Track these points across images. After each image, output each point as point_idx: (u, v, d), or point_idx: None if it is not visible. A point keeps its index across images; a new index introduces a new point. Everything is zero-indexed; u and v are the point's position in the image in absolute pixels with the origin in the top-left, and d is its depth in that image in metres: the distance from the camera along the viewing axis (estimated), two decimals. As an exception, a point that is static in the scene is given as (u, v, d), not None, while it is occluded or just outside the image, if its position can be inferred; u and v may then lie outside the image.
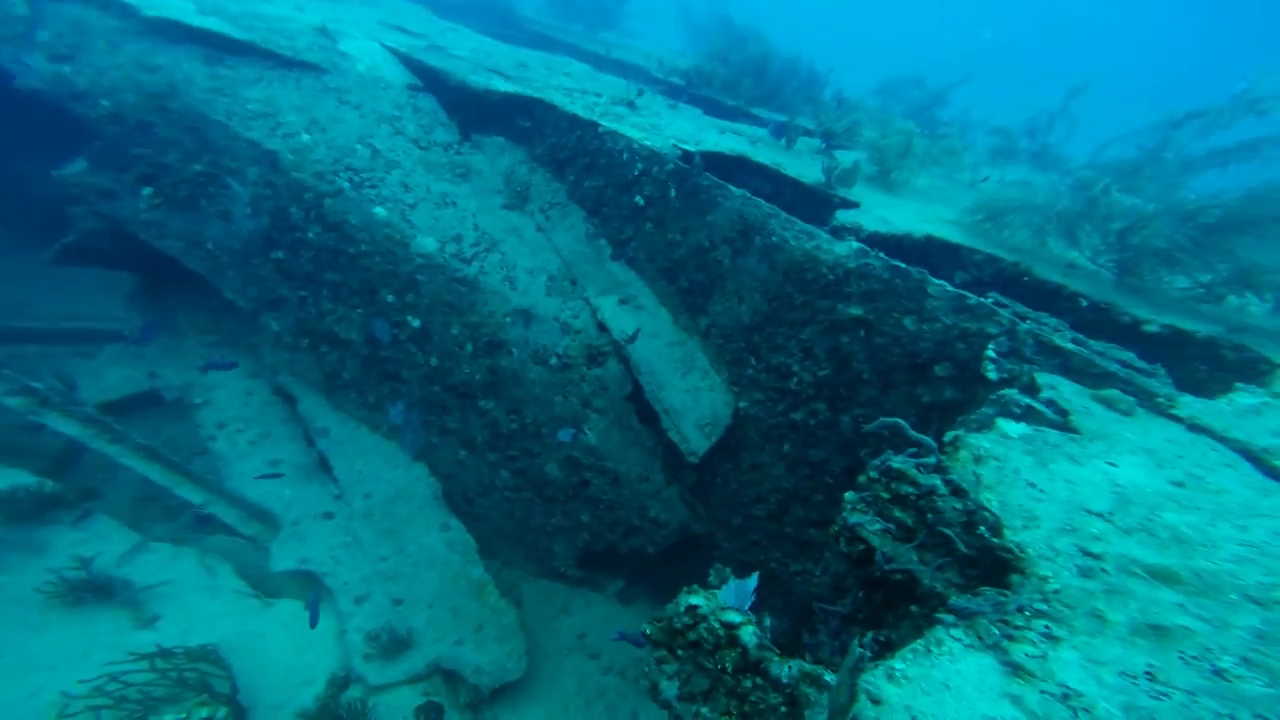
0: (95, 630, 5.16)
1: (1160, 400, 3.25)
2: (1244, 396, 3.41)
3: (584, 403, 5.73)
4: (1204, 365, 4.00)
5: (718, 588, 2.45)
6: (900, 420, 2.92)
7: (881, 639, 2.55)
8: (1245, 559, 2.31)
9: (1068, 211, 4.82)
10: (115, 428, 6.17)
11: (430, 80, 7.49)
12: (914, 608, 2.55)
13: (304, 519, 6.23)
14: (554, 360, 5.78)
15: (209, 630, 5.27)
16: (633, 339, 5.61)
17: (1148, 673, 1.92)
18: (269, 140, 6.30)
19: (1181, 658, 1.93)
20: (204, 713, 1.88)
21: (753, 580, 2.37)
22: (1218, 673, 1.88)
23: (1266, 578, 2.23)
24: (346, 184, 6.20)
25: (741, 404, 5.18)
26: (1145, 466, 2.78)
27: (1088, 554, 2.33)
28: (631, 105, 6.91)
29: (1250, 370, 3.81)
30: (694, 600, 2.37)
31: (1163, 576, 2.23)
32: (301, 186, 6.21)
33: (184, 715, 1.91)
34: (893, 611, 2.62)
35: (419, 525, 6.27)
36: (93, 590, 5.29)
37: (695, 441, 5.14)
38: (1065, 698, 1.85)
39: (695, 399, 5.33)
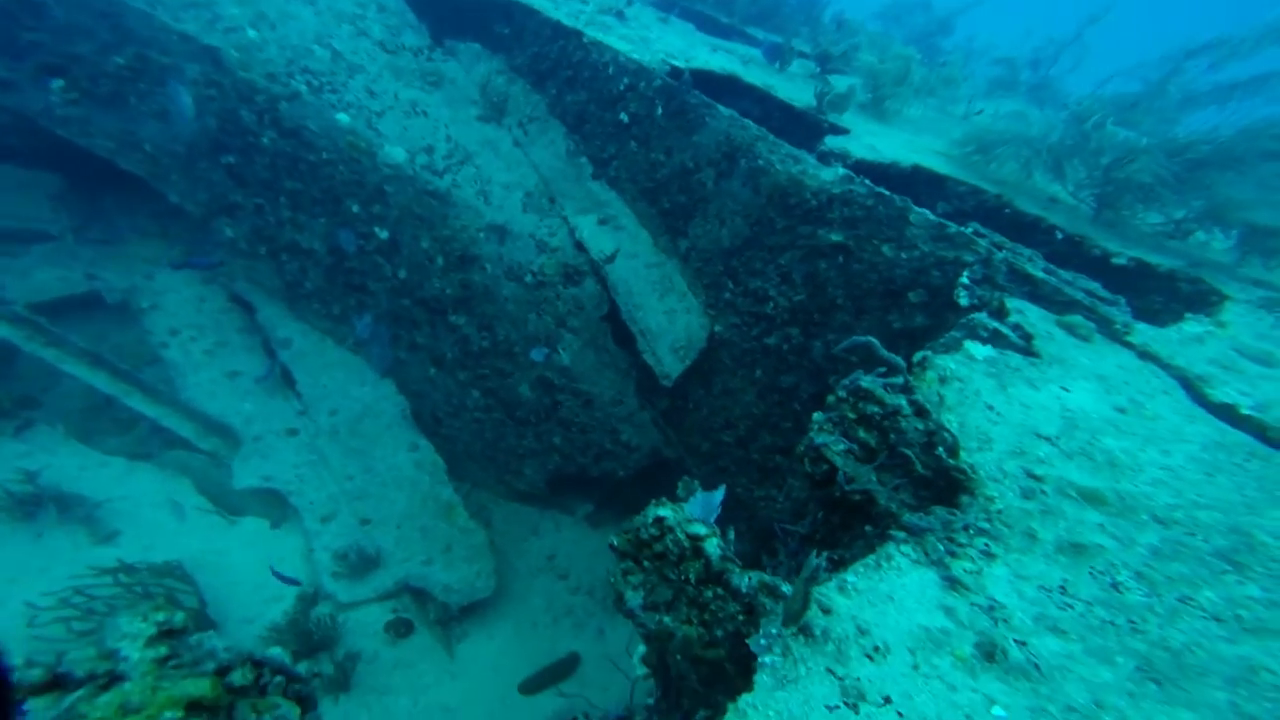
0: (52, 546, 5.06)
1: (1117, 327, 3.31)
2: (1192, 325, 3.51)
3: (559, 321, 5.61)
4: (1161, 297, 4.09)
5: (685, 500, 2.45)
6: (873, 339, 2.89)
7: (835, 557, 2.63)
8: (1161, 482, 2.43)
9: (1058, 145, 4.72)
10: (50, 329, 5.77)
11: None
12: (869, 528, 2.62)
13: (266, 435, 6.09)
14: (529, 277, 5.59)
15: (171, 547, 5.20)
16: (611, 259, 5.44)
17: (1061, 586, 2.04)
18: (207, 35, 5.65)
19: (1090, 572, 2.04)
20: (160, 616, 1.83)
21: (719, 493, 2.39)
22: (1114, 585, 2.01)
23: (1173, 499, 2.35)
24: (304, 87, 5.66)
25: (717, 328, 5.14)
26: (1095, 392, 2.85)
27: (1032, 476, 2.41)
28: (620, 15, 6.38)
29: (1202, 302, 3.91)
30: (661, 512, 2.38)
31: (1091, 498, 2.32)
32: (251, 88, 5.65)
33: (140, 617, 1.85)
34: (849, 532, 2.69)
35: (387, 444, 6.20)
36: (42, 504, 5.12)
37: (670, 364, 5.12)
38: (990, 609, 1.95)
39: (671, 321, 5.26)
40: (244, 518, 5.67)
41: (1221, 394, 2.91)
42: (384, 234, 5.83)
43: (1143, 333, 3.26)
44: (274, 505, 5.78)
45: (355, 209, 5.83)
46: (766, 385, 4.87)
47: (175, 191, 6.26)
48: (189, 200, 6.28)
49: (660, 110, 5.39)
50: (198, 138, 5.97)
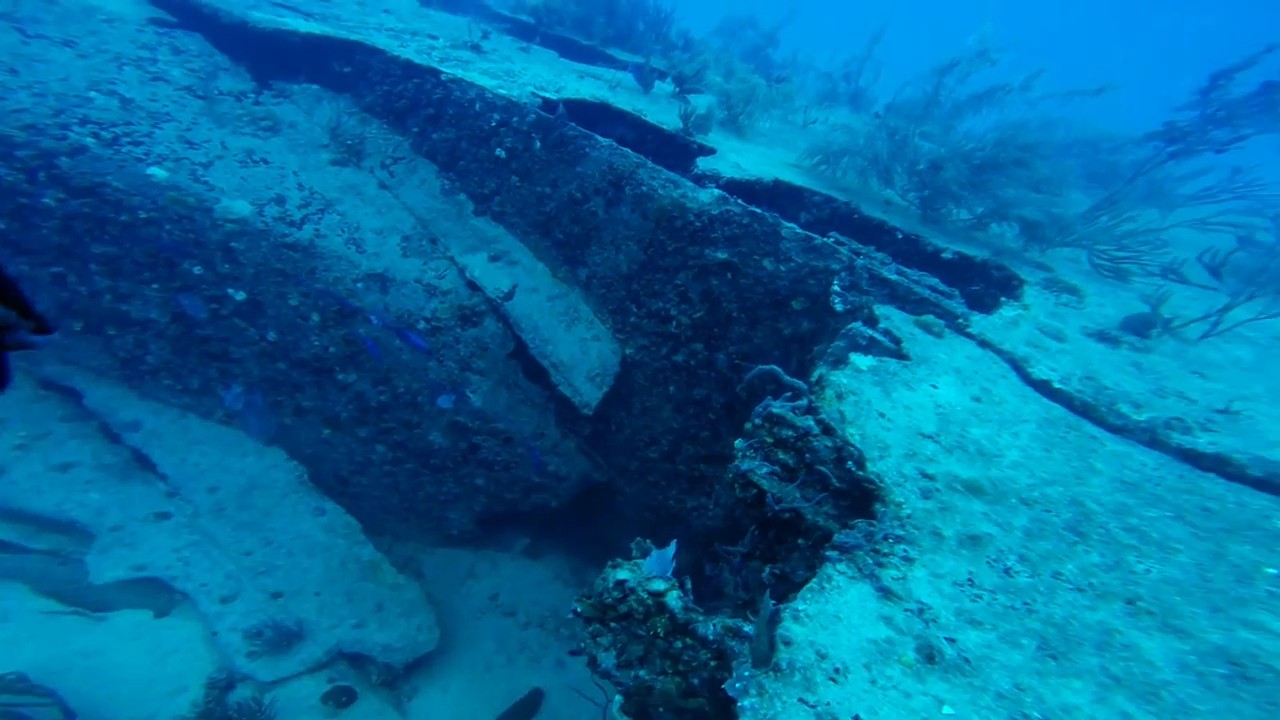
0: None
1: (960, 320, 3.74)
2: (1007, 310, 4.08)
3: (463, 365, 5.14)
4: (981, 284, 4.72)
5: (641, 559, 2.36)
6: (775, 367, 2.98)
7: (778, 572, 2.72)
8: (1019, 464, 2.80)
9: (883, 155, 5.18)
10: None
11: (188, 16, 5.60)
12: (801, 540, 2.72)
13: (129, 523, 5.04)
14: (421, 324, 5.03)
15: (9, 657, 4.16)
16: (509, 296, 5.06)
17: (969, 579, 2.26)
18: None
19: (987, 562, 2.29)
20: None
21: (672, 547, 2.32)
22: (1007, 571, 2.28)
23: (1029, 479, 2.72)
24: (90, 140, 4.48)
25: (628, 351, 5.05)
26: (955, 385, 3.20)
27: (926, 475, 2.64)
28: (477, 49, 5.85)
29: (1009, 286, 4.58)
30: (620, 575, 2.27)
31: (973, 489, 2.60)
32: (7, 142, 4.34)
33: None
34: (784, 545, 2.78)
35: (286, 513, 5.39)
36: None
37: (588, 393, 4.94)
38: (921, 612, 2.11)
39: (584, 350, 5.06)
40: (115, 612, 4.70)
41: (1039, 372, 3.42)
42: (240, 295, 4.87)
43: (977, 323, 3.72)
44: (155, 594, 4.85)
45: (197, 270, 4.79)
46: (681, 400, 4.91)
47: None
48: (-47, 278, 4.73)
49: (538, 144, 5.06)
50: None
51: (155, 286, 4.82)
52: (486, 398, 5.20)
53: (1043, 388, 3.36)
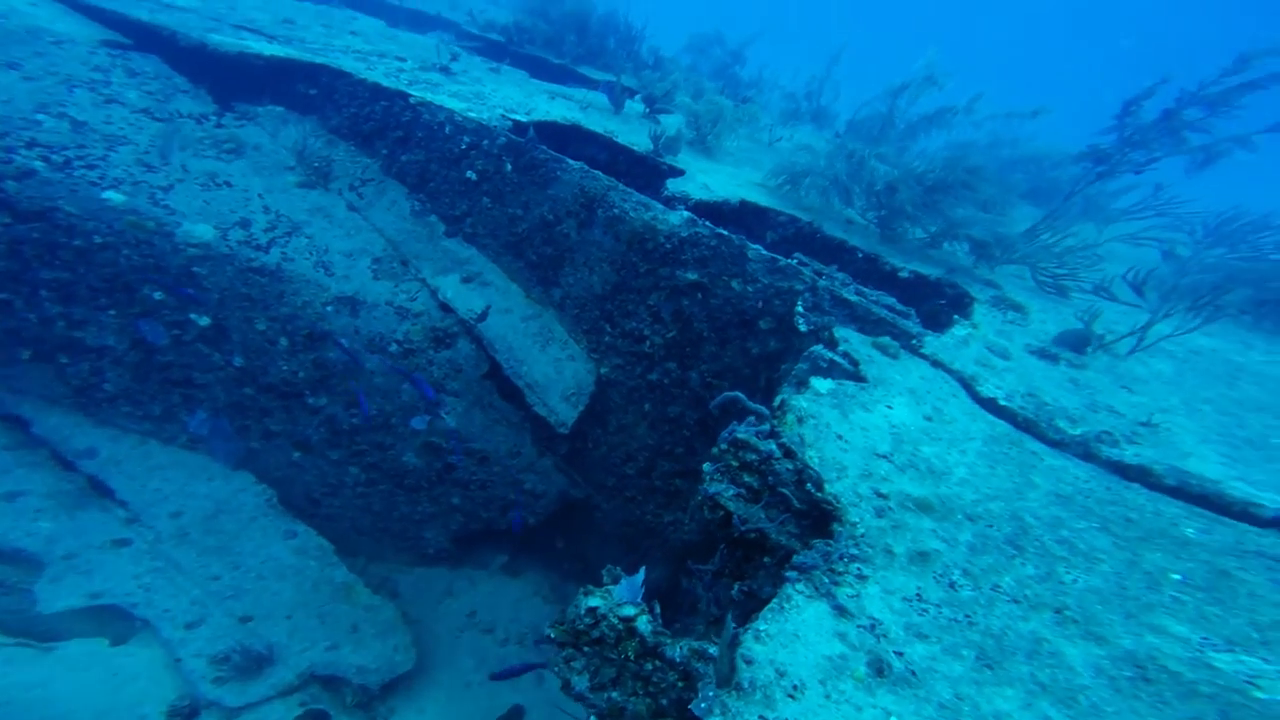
0: None
1: (914, 341, 3.96)
2: (959, 329, 4.31)
3: (436, 387, 5.15)
4: (938, 300, 4.97)
5: (612, 585, 2.46)
6: (739, 394, 3.12)
7: (746, 589, 2.86)
8: (966, 481, 3.00)
9: (843, 176, 5.40)
10: None
11: (144, 38, 5.49)
12: (766, 559, 2.87)
13: (83, 551, 4.88)
14: (394, 347, 5.02)
15: None
16: (483, 317, 5.10)
17: (917, 594, 2.43)
18: None
19: (934, 577, 2.47)
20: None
21: (640, 574, 2.43)
22: (951, 585, 2.46)
23: (974, 495, 2.92)
24: (39, 163, 4.36)
25: (603, 370, 5.14)
26: (909, 405, 3.39)
27: (880, 495, 2.81)
28: (446, 71, 5.86)
29: (960, 303, 4.84)
30: (593, 602, 2.37)
31: (923, 507, 2.79)
32: None
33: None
34: (750, 564, 2.93)
35: (255, 537, 5.30)
36: None
37: (564, 413, 5.01)
38: (873, 627, 2.26)
39: (559, 370, 5.13)
40: (65, 642, 4.53)
41: (986, 390, 3.65)
42: (204, 320, 4.78)
43: (930, 343, 3.93)
44: (111, 622, 4.70)
45: (158, 296, 4.69)
46: (656, 417, 5.02)
47: None
48: (-110, 306, 4.53)
49: (509, 166, 5.11)
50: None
51: (112, 313, 4.70)
52: (462, 418, 5.22)
53: (990, 405, 3.59)
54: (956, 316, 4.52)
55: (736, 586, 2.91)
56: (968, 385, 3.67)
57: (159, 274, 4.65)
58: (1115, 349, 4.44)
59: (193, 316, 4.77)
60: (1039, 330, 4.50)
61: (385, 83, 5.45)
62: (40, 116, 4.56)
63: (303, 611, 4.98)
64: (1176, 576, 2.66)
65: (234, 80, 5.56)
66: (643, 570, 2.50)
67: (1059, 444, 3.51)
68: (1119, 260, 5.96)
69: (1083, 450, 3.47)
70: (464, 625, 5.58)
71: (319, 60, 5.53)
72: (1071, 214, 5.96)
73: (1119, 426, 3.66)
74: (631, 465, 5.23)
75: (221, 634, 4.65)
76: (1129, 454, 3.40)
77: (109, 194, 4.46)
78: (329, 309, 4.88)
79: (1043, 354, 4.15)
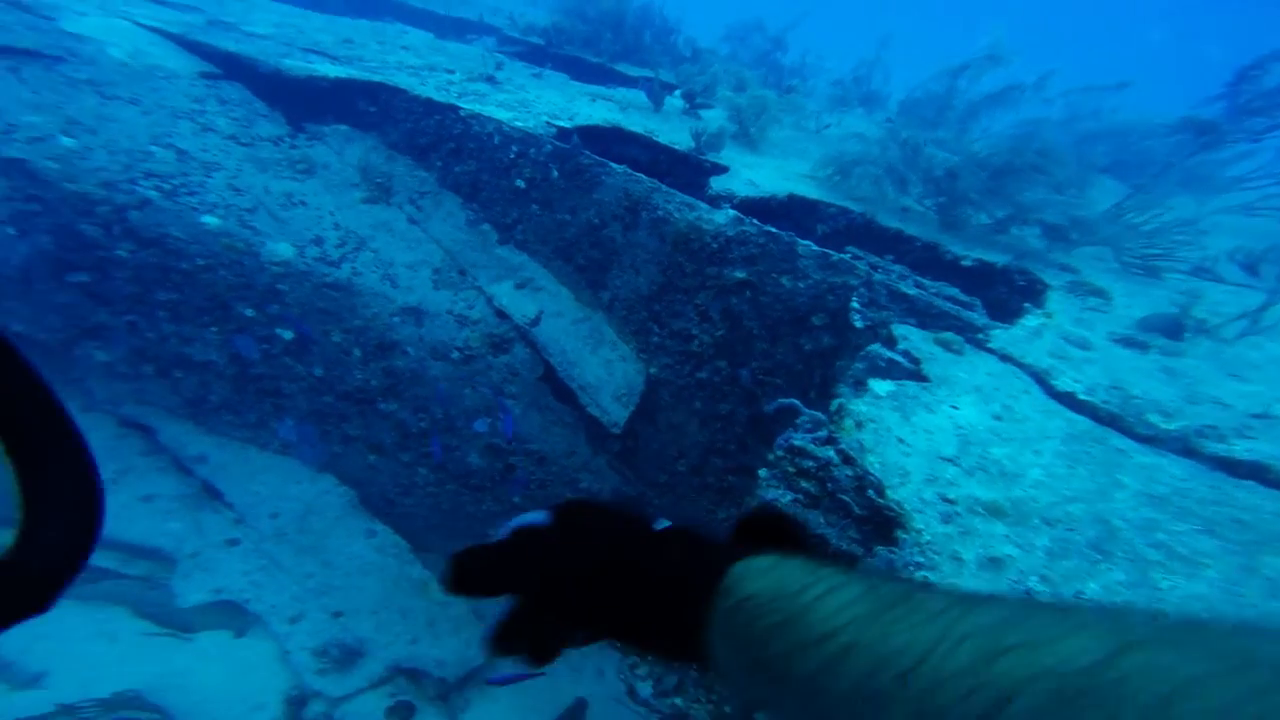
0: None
1: (980, 335, 3.76)
2: (1030, 319, 4.05)
3: (496, 391, 5.38)
4: (1005, 288, 4.69)
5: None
6: (794, 400, 3.08)
7: None
8: (1041, 483, 2.83)
9: (897, 164, 5.17)
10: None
11: (231, 67, 5.97)
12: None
13: (204, 549, 5.45)
14: (455, 354, 5.28)
15: (118, 678, 4.55)
16: (536, 322, 5.27)
17: None
18: (6, 148, 4.66)
19: (1009, 584, 2.35)
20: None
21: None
22: (1027, 592, 2.33)
23: (1052, 497, 2.76)
24: (154, 193, 4.86)
25: (652, 370, 5.19)
26: (976, 404, 3.24)
27: (946, 500, 2.70)
28: (492, 80, 6.06)
29: (1032, 291, 4.53)
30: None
31: (994, 511, 2.66)
32: (87, 200, 4.77)
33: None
34: None
35: (341, 536, 5.75)
36: None
37: (615, 413, 5.12)
38: None
39: (610, 371, 5.24)
40: (200, 633, 5.08)
41: (1063, 384, 3.42)
42: (288, 334, 5.22)
43: (998, 336, 3.72)
44: (233, 616, 5.25)
45: (249, 313, 5.16)
46: (707, 414, 5.03)
47: (16, 320, 5.18)
48: (37, 328, 5.24)
49: (556, 173, 5.24)
50: (31, 259, 4.96)
51: (214, 330, 5.21)
52: (519, 420, 5.43)
53: (1067, 400, 3.36)
54: (1028, 305, 4.24)
55: None
56: (1041, 380, 3.45)
57: (249, 291, 5.11)
58: (1221, 333, 4.02)
59: (278, 331, 5.22)
60: (1124, 316, 4.15)
61: (437, 97, 5.70)
62: (153, 148, 5.10)
63: (386, 607, 5.36)
64: (1302, 586, 2.41)
65: (303, 101, 5.99)
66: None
67: (1151, 440, 3.24)
68: (1227, 234, 5.37)
69: (1181, 446, 3.19)
70: (529, 619, 5.83)
71: (376, 79, 5.86)
72: (1167, 187, 5.44)
73: (1226, 419, 3.33)
74: (683, 462, 5.27)
75: (319, 628, 5.08)
76: (1239, 449, 3.10)
77: (206, 218, 4.94)
78: (395, 319, 5.20)
79: (1129, 342, 3.83)
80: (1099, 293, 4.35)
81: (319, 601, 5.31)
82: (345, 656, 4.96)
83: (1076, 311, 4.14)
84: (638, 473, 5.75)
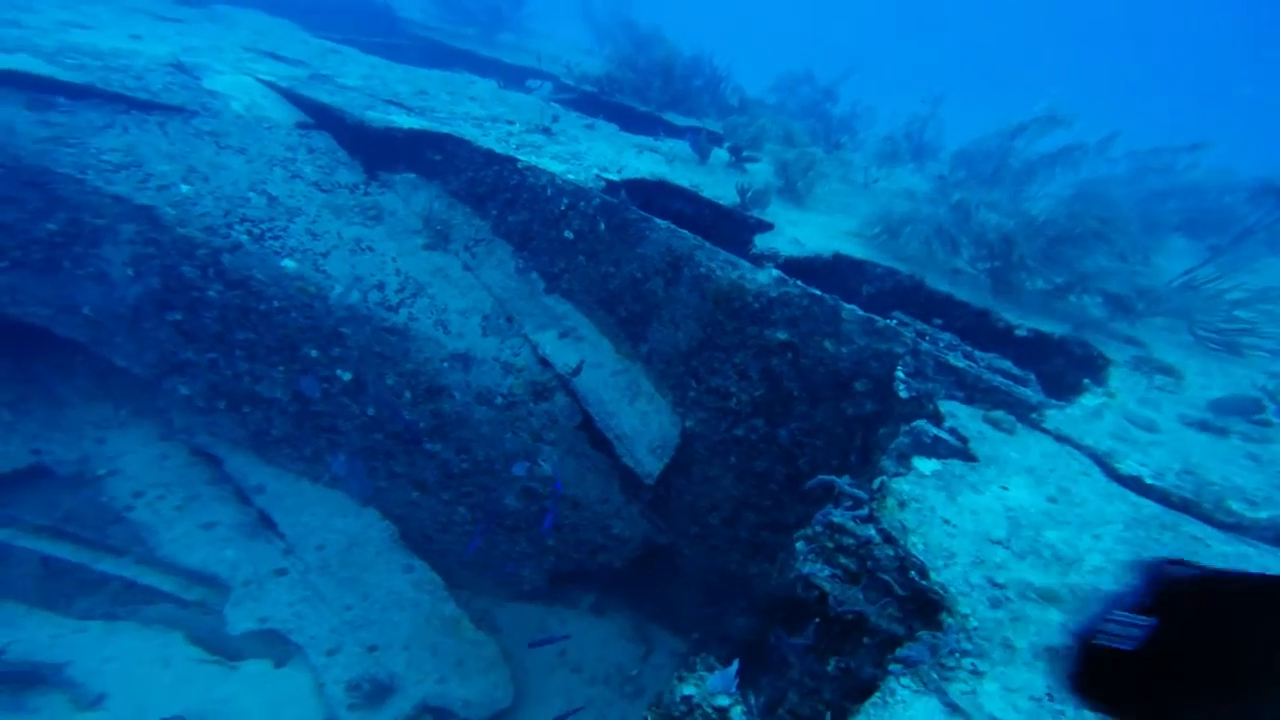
0: None
1: (1034, 415, 3.69)
2: (1089, 398, 3.94)
3: (535, 437, 5.62)
4: (1061, 359, 4.58)
5: (706, 672, 2.57)
6: (834, 478, 3.13)
7: (843, 666, 2.82)
8: (1101, 569, 2.74)
9: (948, 225, 5.20)
10: (-1, 509, 5.29)
11: (322, 117, 6.68)
12: (866, 639, 2.82)
13: (256, 578, 5.80)
14: (499, 400, 5.57)
15: (170, 702, 4.85)
16: (577, 372, 5.51)
17: (1048, 694, 2.26)
18: (140, 194, 5.36)
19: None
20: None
21: (734, 665, 2.51)
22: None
23: (1115, 585, 2.66)
24: (245, 237, 5.45)
25: (688, 423, 5.31)
26: (1028, 486, 3.18)
27: (995, 584, 2.66)
28: (548, 132, 6.52)
29: (1092, 365, 4.41)
30: (687, 690, 2.48)
31: (1049, 597, 2.60)
32: (191, 243, 5.39)
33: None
34: (848, 640, 2.88)
35: (380, 570, 6.01)
36: (14, 681, 4.65)
37: (649, 464, 5.23)
38: None
39: (645, 423, 5.39)
40: (245, 661, 5.36)
41: (1127, 467, 3.31)
42: (347, 375, 5.66)
43: (1053, 416, 3.65)
44: (275, 645, 5.52)
45: (314, 353, 5.64)
46: (742, 470, 5.08)
47: (121, 355, 5.85)
48: (136, 362, 5.89)
49: (603, 226, 5.55)
50: (142, 298, 5.63)
51: (281, 369, 5.72)
52: (557, 466, 5.62)
53: (1132, 484, 3.25)
54: (1087, 381, 4.14)
55: (833, 662, 2.87)
56: (1102, 462, 3.35)
57: (315, 334, 5.60)
58: (1309, 418, 3.79)
59: (339, 372, 5.67)
60: (1198, 398, 3.98)
61: (497, 148, 6.17)
62: (250, 194, 5.75)
63: (418, 643, 5.54)
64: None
65: (381, 149, 6.62)
66: (736, 662, 2.58)
67: (1233, 528, 3.07)
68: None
69: (1274, 535, 3.01)
70: (554, 663, 5.88)
71: (444, 130, 6.41)
72: (1251, 249, 5.22)
73: (1315, 515, 3.12)
74: (715, 515, 5.29)
75: (354, 662, 5.30)
76: None
77: (286, 262, 5.49)
78: (445, 365, 5.55)
79: (1204, 426, 3.66)
80: (1168, 370, 4.19)
81: (356, 635, 5.54)
82: (376, 692, 5.12)
83: (1142, 391, 4.00)
84: (669, 522, 5.80)
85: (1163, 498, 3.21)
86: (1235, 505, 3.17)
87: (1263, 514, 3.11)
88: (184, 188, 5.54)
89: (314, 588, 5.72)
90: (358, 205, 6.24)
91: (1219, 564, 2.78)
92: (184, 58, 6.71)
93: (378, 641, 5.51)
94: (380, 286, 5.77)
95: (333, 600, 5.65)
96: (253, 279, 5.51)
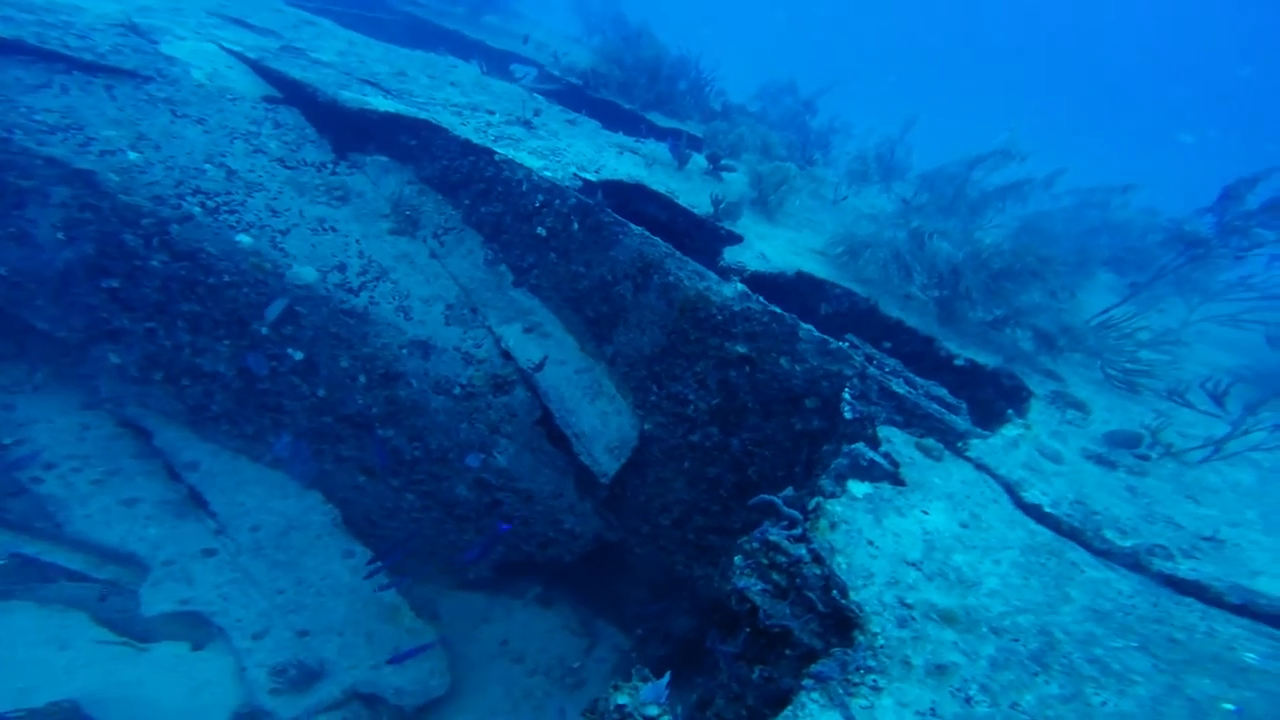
0: None
1: (960, 444, 4.14)
2: (1010, 429, 4.44)
3: (492, 429, 5.74)
4: (992, 389, 5.10)
5: (640, 683, 2.84)
6: (774, 498, 3.45)
7: (766, 675, 3.16)
8: (996, 592, 3.18)
9: (904, 252, 5.64)
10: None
11: (293, 93, 6.49)
12: (788, 650, 3.16)
13: (179, 558, 5.67)
14: (457, 390, 5.66)
15: (62, 685, 4.65)
16: (539, 367, 5.66)
17: (931, 709, 2.64)
18: (80, 159, 5.13)
19: (950, 691, 2.69)
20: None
21: (665, 678, 2.81)
22: (968, 700, 2.66)
23: (1003, 606, 3.10)
24: (198, 209, 5.30)
25: (646, 426, 5.57)
26: (946, 510, 3.60)
27: (904, 604, 3.05)
28: (528, 125, 6.56)
29: (1017, 397, 4.94)
30: (621, 699, 2.74)
31: (947, 618, 3.00)
32: (136, 211, 5.20)
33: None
34: (774, 651, 3.23)
35: (318, 554, 6.00)
36: None
37: (606, 464, 5.47)
38: None
39: (604, 423, 5.61)
40: (157, 644, 5.20)
41: (1031, 496, 3.79)
42: (298, 355, 5.60)
43: (976, 446, 4.11)
44: (194, 627, 5.41)
45: (264, 331, 5.54)
46: (694, 475, 5.40)
47: (42, 318, 5.58)
48: (60, 326, 5.62)
49: (577, 226, 5.70)
50: (72, 264, 5.38)
51: (227, 343, 5.59)
52: (512, 459, 5.77)
53: (1033, 512, 3.73)
54: (1010, 412, 4.64)
55: (758, 671, 3.21)
56: (1011, 490, 3.82)
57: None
58: (1187, 457, 4.42)
59: (289, 350, 5.60)
60: (1099, 432, 4.55)
61: (474, 139, 6.18)
62: (206, 166, 5.55)
63: (353, 629, 5.57)
64: (1230, 707, 2.71)
65: (352, 129, 6.48)
66: (668, 674, 2.87)
67: (1104, 554, 3.60)
68: (1212, 345, 5.81)
69: (1132, 562, 3.54)
70: (495, 653, 6.07)
71: (422, 115, 6.34)
72: (1161, 288, 5.91)
73: (1177, 540, 3.69)
74: (666, 516, 5.60)
75: (282, 646, 5.27)
76: (1184, 568, 3.46)
77: (241, 237, 5.37)
78: (404, 351, 5.58)
79: (1099, 460, 4.22)
80: (1079, 405, 4.77)
81: (286, 619, 5.51)
82: (303, 677, 5.12)
83: (1055, 423, 4.54)
84: (621, 520, 6.08)
85: (1055, 525, 3.71)
86: (1109, 534, 3.69)
87: (1128, 542, 3.64)
88: (132, 155, 5.32)
89: (244, 570, 5.64)
90: (324, 184, 6.13)
91: (1085, 592, 3.26)
92: (138, 19, 6.36)
93: (309, 627, 5.50)
94: (341, 268, 5.72)
95: (264, 583, 5.60)
96: (203, 251, 5.36)
